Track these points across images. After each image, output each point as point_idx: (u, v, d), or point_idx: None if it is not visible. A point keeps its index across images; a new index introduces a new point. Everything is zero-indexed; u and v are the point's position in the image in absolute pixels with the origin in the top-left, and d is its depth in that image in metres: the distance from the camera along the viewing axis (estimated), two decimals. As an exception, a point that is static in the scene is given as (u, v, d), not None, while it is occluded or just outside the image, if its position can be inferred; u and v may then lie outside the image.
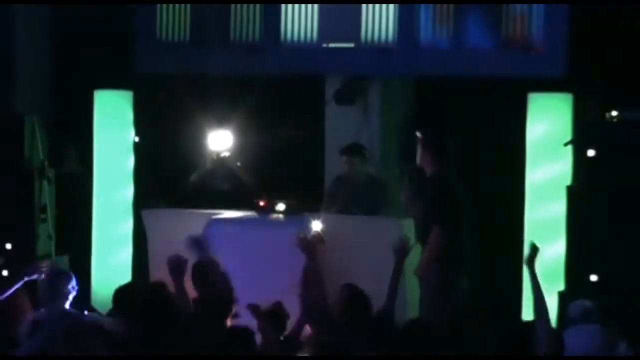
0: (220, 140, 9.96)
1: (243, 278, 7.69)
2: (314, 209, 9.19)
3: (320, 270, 7.85)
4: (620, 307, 8.18)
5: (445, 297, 8.43)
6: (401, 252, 7.47)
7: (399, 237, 8.02)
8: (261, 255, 8.21)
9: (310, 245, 7.72)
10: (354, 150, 9.68)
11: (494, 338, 6.36)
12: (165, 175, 10.30)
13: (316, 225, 7.89)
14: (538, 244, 7.34)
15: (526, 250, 7.24)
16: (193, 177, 10.09)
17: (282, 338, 6.93)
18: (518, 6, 9.82)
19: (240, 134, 10.31)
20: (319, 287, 7.43)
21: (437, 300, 8.40)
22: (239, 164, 9.96)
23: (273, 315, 6.97)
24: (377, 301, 7.26)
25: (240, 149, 10.31)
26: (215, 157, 9.95)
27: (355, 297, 7.05)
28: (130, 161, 10.48)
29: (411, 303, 8.23)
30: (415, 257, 8.68)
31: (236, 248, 8.48)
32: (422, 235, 8.48)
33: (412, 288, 8.24)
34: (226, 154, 9.93)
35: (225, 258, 8.23)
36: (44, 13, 11.30)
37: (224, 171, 9.98)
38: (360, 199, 9.44)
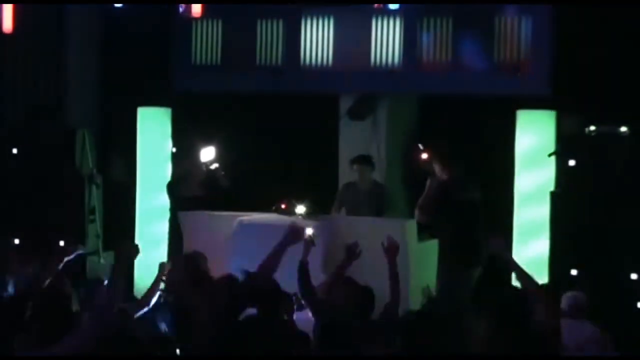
0: (208, 154, 9.68)
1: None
2: (327, 212, 9.24)
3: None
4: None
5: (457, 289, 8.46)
6: (391, 251, 7.14)
7: (394, 236, 7.78)
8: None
9: (308, 243, 7.35)
10: (363, 160, 9.64)
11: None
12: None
13: (309, 230, 7.48)
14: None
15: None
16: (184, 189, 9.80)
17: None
18: (508, 33, 9.80)
19: (265, 145, 10.39)
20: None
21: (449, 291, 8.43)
22: (223, 173, 9.63)
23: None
24: (380, 294, 7.04)
25: (264, 157, 10.37)
26: (205, 168, 9.62)
27: (357, 290, 6.83)
28: (169, 169, 10.45)
29: (413, 296, 8.09)
30: (425, 254, 8.68)
31: (260, 245, 8.12)
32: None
33: (415, 282, 8.17)
34: (214, 165, 9.64)
35: (250, 254, 8.06)
36: (93, 38, 11.24)
37: (212, 179, 9.65)
38: (366, 202, 9.38)
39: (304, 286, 6.98)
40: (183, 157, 10.13)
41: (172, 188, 9.83)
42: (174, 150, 10.51)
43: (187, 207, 9.31)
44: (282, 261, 6.99)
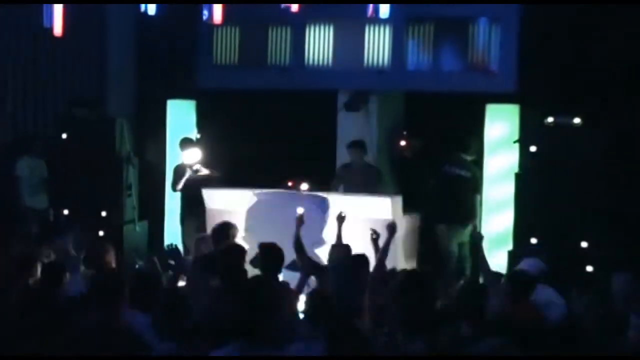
0: (191, 156, 9.71)
1: (275, 234, 7.38)
2: (327, 189, 9.23)
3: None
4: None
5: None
6: (391, 229, 7.15)
7: (388, 213, 7.98)
8: (289, 218, 7.86)
9: (298, 221, 7.40)
10: (358, 144, 9.66)
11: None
12: (219, 163, 9.97)
13: (300, 210, 7.55)
14: (482, 233, 7.76)
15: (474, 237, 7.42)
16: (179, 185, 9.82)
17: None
18: (481, 40, 9.79)
19: (274, 132, 10.39)
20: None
21: None
22: (208, 170, 9.68)
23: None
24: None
25: (274, 142, 10.37)
26: (189, 169, 9.67)
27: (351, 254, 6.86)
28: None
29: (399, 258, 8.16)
30: (409, 225, 8.80)
31: (272, 213, 8.40)
32: None
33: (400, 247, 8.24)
34: (197, 165, 9.66)
35: (264, 221, 8.30)
36: (130, 41, 11.20)
37: (197, 177, 9.67)
38: (360, 181, 9.36)
39: (298, 254, 7.07)
40: (206, 143, 10.17)
41: (172, 186, 9.95)
42: (198, 136, 10.46)
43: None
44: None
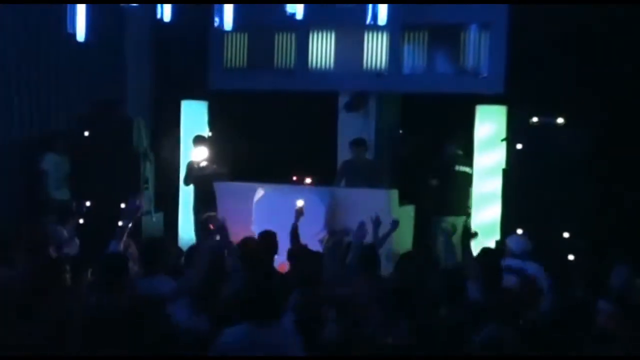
0: (199, 153, 9.71)
1: (281, 225, 7.41)
2: (329, 183, 9.33)
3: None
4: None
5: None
6: (394, 224, 7.44)
7: (380, 203, 8.08)
8: (293, 210, 7.77)
9: (297, 213, 7.48)
10: (358, 142, 9.66)
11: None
12: (229, 158, 9.95)
13: (300, 203, 7.57)
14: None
15: (466, 231, 7.35)
16: (188, 180, 9.86)
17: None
18: (471, 45, 9.73)
19: (280, 131, 10.42)
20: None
21: None
22: (215, 166, 9.66)
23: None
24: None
25: (280, 140, 10.37)
26: (196, 166, 9.69)
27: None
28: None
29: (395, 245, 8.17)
30: (404, 216, 8.72)
31: (278, 206, 8.39)
32: None
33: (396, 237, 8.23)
34: (204, 163, 9.65)
35: (271, 213, 8.35)
36: (147, 46, 11.20)
37: (205, 174, 9.65)
38: (360, 175, 9.40)
39: (293, 241, 7.15)
40: (217, 140, 10.17)
41: (184, 181, 9.97)
42: (210, 134, 10.38)
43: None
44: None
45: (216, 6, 8.09)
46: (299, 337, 4.87)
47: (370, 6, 8.14)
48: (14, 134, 9.68)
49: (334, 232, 7.28)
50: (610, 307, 5.59)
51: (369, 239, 6.97)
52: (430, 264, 6.82)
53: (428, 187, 9.39)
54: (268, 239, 6.83)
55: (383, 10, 8.11)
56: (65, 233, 6.56)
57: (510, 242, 7.35)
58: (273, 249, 6.81)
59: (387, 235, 7.54)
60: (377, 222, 7.20)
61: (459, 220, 9.27)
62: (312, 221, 7.89)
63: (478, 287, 5.76)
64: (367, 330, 5.10)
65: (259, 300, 4.73)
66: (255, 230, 7.95)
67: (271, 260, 6.78)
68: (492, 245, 9.01)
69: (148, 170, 10.43)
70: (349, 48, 10.18)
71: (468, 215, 9.42)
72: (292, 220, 7.46)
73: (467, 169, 9.52)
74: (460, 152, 9.57)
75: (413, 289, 5.47)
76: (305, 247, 6.97)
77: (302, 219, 7.47)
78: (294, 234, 7.24)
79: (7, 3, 9.20)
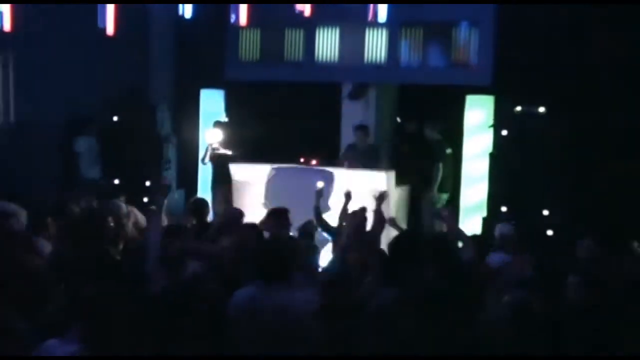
0: (213, 136, 9.72)
1: (290, 201, 7.32)
2: (332, 165, 9.28)
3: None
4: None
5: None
6: (380, 199, 7.08)
7: (383, 185, 8.10)
8: (300, 188, 8.00)
9: (318, 193, 7.47)
10: (362, 128, 9.76)
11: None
12: (243, 141, 9.88)
13: (320, 184, 7.60)
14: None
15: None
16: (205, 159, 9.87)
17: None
18: (462, 41, 9.68)
19: (289, 118, 10.40)
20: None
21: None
22: (225, 149, 9.66)
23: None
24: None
25: (289, 126, 10.33)
26: (211, 148, 9.70)
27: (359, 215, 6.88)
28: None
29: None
30: (401, 195, 8.97)
31: (287, 184, 8.54)
32: None
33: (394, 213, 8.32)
34: (216, 145, 9.64)
35: (281, 190, 8.46)
36: (169, 40, 11.15)
37: (218, 154, 9.73)
38: (362, 159, 9.47)
39: (318, 220, 7.20)
40: (233, 125, 10.19)
41: (201, 160, 10.02)
42: (226, 120, 10.42)
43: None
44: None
45: (232, 5, 8.09)
46: (313, 298, 4.67)
47: (371, 5, 7.98)
48: (51, 118, 9.77)
49: (355, 213, 6.92)
50: (578, 278, 5.38)
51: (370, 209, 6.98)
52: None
53: (419, 167, 9.47)
54: (281, 215, 6.68)
55: (383, 9, 8.00)
56: (124, 207, 6.65)
57: (500, 230, 7.25)
58: (286, 224, 6.64)
59: (378, 211, 7.23)
60: (381, 197, 7.16)
61: (444, 196, 9.50)
62: (314, 194, 7.75)
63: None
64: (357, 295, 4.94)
65: (266, 262, 4.62)
66: (266, 206, 8.03)
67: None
68: (480, 221, 9.14)
69: (170, 151, 10.65)
70: (352, 43, 10.15)
71: (447, 191, 9.49)
72: (299, 197, 7.54)
73: (448, 151, 9.57)
74: (439, 137, 9.61)
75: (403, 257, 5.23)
76: (331, 227, 7.05)
77: (310, 192, 7.48)
78: (318, 213, 7.25)
79: (47, 3, 9.20)
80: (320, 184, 7.64)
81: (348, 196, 7.32)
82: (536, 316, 4.48)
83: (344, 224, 6.88)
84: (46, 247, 5.56)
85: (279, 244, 5.00)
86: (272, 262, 4.65)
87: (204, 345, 4.26)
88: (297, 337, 4.49)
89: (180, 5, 8.06)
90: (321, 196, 7.49)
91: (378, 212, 6.99)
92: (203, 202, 7.21)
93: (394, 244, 5.09)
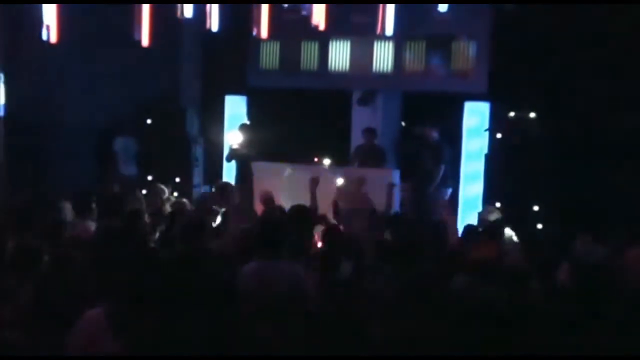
0: (233, 137, 9.77)
1: (304, 196, 7.59)
2: (344, 164, 9.53)
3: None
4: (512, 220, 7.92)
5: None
6: (313, 183, 7.42)
7: (392, 180, 8.20)
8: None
9: (312, 185, 7.60)
10: (370, 130, 9.84)
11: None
12: (263, 142, 9.85)
13: (340, 181, 7.74)
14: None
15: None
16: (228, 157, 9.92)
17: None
18: (461, 53, 9.75)
19: (304, 121, 10.43)
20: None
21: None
22: (244, 151, 9.61)
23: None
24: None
25: (304, 128, 10.30)
26: (232, 148, 9.76)
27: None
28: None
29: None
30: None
31: (302, 181, 8.22)
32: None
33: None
34: (236, 146, 9.67)
35: (296, 186, 8.36)
36: (198, 50, 11.10)
37: (239, 154, 9.72)
38: (370, 158, 9.58)
39: (312, 204, 7.38)
40: (254, 128, 10.18)
41: (226, 158, 10.10)
42: (248, 123, 10.46)
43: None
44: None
45: (254, 19, 8.17)
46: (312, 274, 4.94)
47: (379, 20, 8.12)
48: (91, 120, 9.92)
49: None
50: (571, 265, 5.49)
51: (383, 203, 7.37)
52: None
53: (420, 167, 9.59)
54: (304, 213, 6.65)
55: (390, 23, 8.17)
56: (166, 190, 6.97)
57: (483, 214, 7.57)
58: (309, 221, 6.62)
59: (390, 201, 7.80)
60: (391, 191, 7.44)
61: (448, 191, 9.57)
62: (329, 195, 8.08)
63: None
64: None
65: (265, 241, 4.91)
66: (283, 201, 8.01)
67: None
68: (475, 216, 9.06)
69: (198, 151, 10.82)
70: (361, 54, 10.24)
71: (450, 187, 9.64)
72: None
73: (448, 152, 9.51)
74: (439, 139, 9.52)
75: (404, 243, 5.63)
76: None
77: (323, 189, 7.61)
78: (335, 209, 7.44)
79: (92, 15, 9.38)
80: (340, 181, 7.77)
81: (314, 181, 7.47)
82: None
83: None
84: (91, 226, 6.30)
85: (275, 226, 5.23)
86: (267, 241, 4.97)
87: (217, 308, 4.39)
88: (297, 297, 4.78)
89: (208, 19, 8.13)
90: (317, 184, 7.57)
91: (313, 196, 7.33)
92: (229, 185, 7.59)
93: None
